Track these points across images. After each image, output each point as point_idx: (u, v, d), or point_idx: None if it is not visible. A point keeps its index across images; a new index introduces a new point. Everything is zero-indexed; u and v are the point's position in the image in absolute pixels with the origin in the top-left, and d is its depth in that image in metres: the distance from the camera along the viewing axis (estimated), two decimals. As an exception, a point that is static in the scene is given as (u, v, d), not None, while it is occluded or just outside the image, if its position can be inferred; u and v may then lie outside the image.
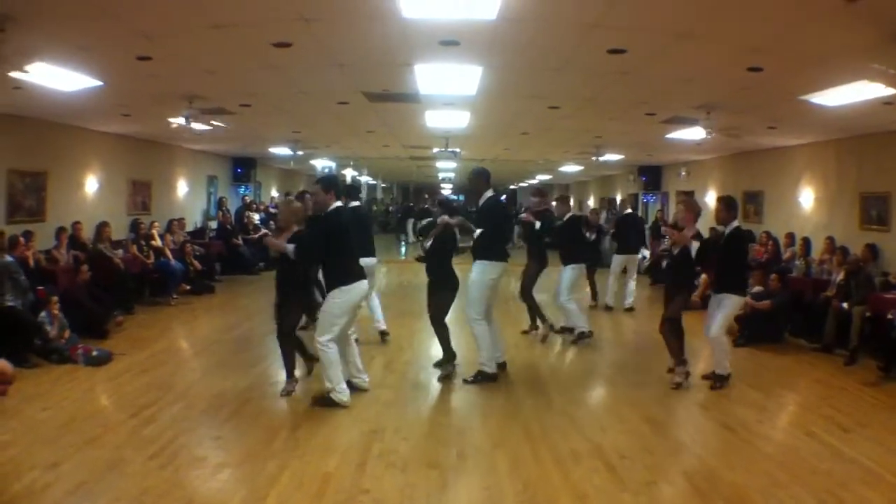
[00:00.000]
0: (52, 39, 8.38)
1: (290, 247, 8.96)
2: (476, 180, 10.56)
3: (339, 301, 8.83)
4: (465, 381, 10.23)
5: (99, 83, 10.59)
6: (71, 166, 16.26)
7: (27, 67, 9.06)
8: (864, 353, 11.58)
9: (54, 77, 10.01)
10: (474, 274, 10.32)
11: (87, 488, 6.36)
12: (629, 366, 11.49)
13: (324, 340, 8.75)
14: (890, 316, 10.90)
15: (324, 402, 8.85)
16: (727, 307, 10.11)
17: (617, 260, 17.27)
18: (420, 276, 10.69)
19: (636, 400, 9.61)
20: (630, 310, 16.77)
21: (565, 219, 13.79)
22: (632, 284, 17.06)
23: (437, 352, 10.81)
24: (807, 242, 15.65)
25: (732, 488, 6.72)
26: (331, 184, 9.19)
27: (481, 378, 10.21)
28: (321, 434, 7.99)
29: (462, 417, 8.94)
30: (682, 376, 10.06)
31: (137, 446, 7.41)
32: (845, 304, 12.26)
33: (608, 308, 16.85)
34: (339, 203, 9.02)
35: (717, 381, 10.08)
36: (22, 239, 12.85)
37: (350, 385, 9.24)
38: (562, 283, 13.35)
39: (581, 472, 7.12)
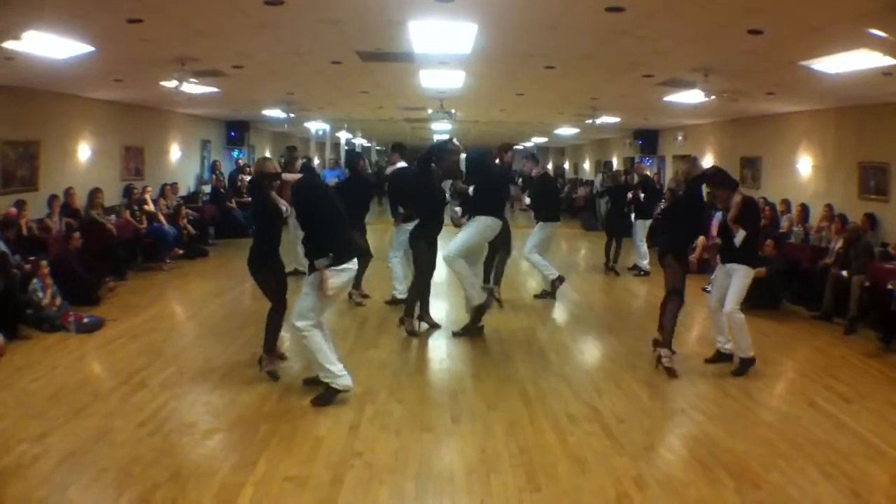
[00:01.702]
0: (43, 7, 8.22)
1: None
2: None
3: (316, 286, 7.64)
4: (455, 333, 10.52)
5: (90, 49, 10.43)
6: (63, 134, 16.12)
7: (21, 36, 8.99)
8: (862, 323, 11.50)
9: (46, 45, 9.93)
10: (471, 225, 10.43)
11: (76, 459, 6.30)
12: (627, 329, 11.43)
13: (303, 325, 7.70)
14: (890, 286, 10.77)
15: (325, 398, 7.73)
16: (740, 279, 9.23)
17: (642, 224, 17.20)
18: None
19: (633, 363, 9.59)
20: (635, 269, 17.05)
21: (534, 176, 13.80)
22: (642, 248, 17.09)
23: (433, 312, 11.03)
24: (804, 209, 15.52)
25: (733, 456, 6.67)
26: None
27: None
28: (312, 397, 7.88)
29: (457, 380, 8.86)
30: (670, 360, 9.27)
31: (127, 414, 7.35)
32: (844, 273, 12.19)
33: (641, 271, 16.89)
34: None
35: (742, 366, 9.23)
36: (14, 209, 12.78)
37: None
38: (531, 238, 13.52)
39: (578, 435, 7.09)
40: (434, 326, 10.90)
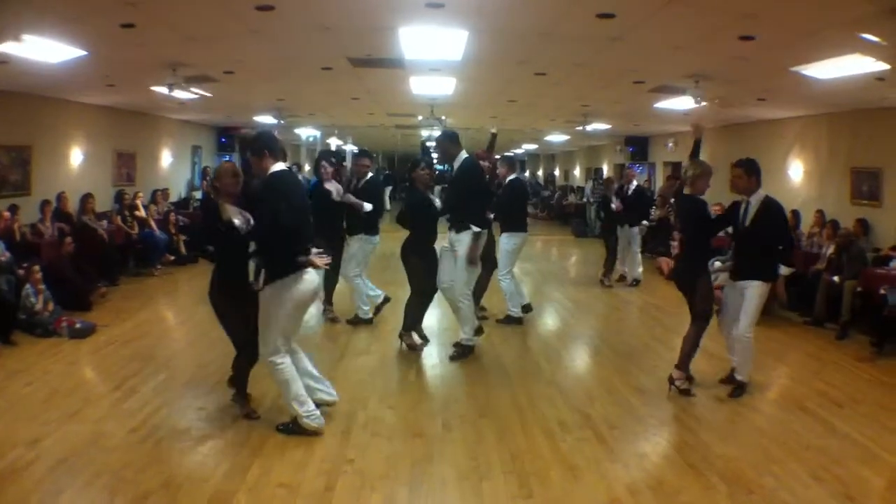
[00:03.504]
0: (37, 11, 8.23)
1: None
2: (447, 145, 10.06)
3: (278, 300, 6.93)
4: (452, 357, 10.02)
5: (83, 53, 10.44)
6: (56, 139, 16.15)
7: (16, 39, 9.01)
8: (854, 328, 11.54)
9: (39, 49, 9.95)
10: (462, 248, 9.83)
11: (69, 464, 6.29)
12: (618, 336, 11.45)
13: (270, 356, 7.02)
14: (882, 291, 10.80)
15: (290, 429, 7.14)
16: (753, 297, 8.43)
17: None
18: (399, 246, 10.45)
19: (625, 370, 9.59)
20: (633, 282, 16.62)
21: (506, 182, 12.54)
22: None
23: (425, 320, 10.62)
24: (796, 215, 15.51)
25: (725, 461, 6.66)
26: (262, 144, 7.08)
27: (463, 353, 10.05)
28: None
29: (448, 386, 8.86)
30: (684, 382, 8.73)
31: (119, 419, 7.35)
32: (836, 278, 12.18)
33: (636, 282, 16.56)
34: (280, 165, 7.07)
35: (738, 388, 8.67)
36: (8, 213, 12.81)
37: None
38: (500, 255, 12.33)
39: (570, 442, 7.08)
40: (423, 340, 10.59)
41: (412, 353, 10.19)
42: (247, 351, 7.44)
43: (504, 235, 12.30)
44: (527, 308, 12.58)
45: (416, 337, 10.46)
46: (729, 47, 9.62)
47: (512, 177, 12.71)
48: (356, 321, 11.74)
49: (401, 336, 10.42)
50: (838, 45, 9.02)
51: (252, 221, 6.92)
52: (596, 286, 16.23)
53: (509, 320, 12.23)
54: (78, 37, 9.62)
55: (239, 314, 7.36)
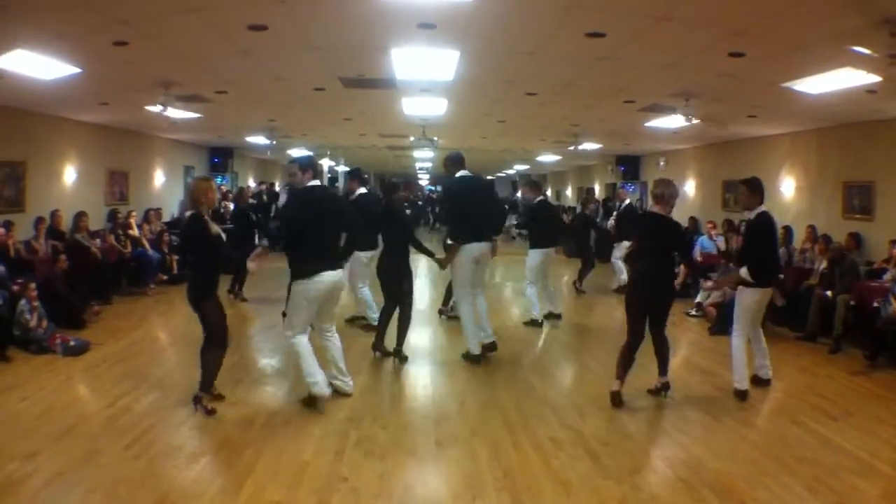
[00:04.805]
0: (30, 26, 8.28)
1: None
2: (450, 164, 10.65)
3: (297, 292, 8.37)
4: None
5: (77, 70, 10.51)
6: (50, 156, 16.19)
7: (7, 55, 9.04)
8: (847, 341, 11.58)
9: (33, 65, 10.02)
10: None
11: (64, 479, 6.31)
12: (609, 353, 11.37)
13: (287, 333, 8.47)
14: (876, 304, 10.87)
15: (308, 401, 8.37)
16: (742, 302, 9.28)
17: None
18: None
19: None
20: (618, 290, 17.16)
21: (535, 202, 13.79)
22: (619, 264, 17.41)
23: (416, 339, 10.67)
24: (788, 231, 15.57)
25: (717, 476, 6.67)
26: (308, 163, 8.51)
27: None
28: (298, 421, 7.94)
29: (441, 405, 8.84)
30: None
31: (113, 436, 7.34)
32: (829, 293, 12.23)
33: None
34: (315, 182, 8.47)
35: (737, 396, 9.10)
36: (2, 229, 12.89)
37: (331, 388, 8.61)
38: (527, 266, 13.60)
39: (562, 459, 7.07)
40: (387, 355, 10.73)
41: (404, 372, 10.23)
42: (220, 340, 8.60)
43: (532, 251, 13.55)
44: (550, 315, 13.85)
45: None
46: (719, 64, 9.70)
47: (538, 199, 13.99)
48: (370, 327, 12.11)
49: (374, 346, 10.85)
50: (829, 59, 9.09)
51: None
52: (587, 304, 16.32)
53: (533, 323, 13.45)
54: (71, 54, 9.68)
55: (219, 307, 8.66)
